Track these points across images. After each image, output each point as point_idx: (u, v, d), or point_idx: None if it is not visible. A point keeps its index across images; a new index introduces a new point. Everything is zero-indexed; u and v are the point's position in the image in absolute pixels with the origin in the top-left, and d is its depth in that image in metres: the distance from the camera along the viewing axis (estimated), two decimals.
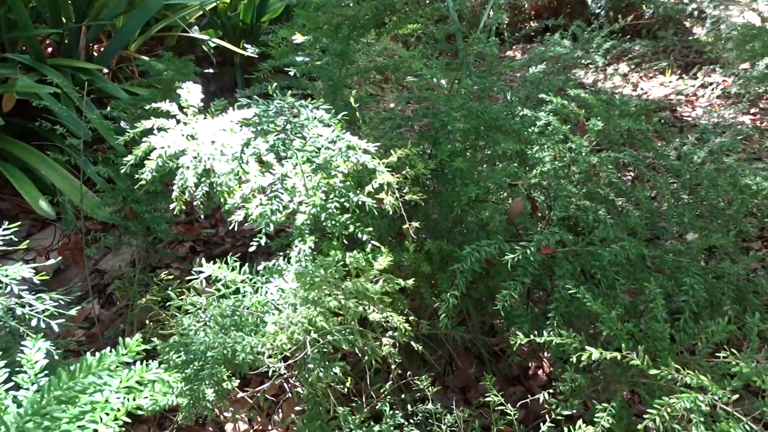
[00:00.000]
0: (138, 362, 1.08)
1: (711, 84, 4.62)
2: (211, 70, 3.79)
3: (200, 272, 1.52)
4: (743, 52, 3.93)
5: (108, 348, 0.97)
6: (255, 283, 1.51)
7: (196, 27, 3.82)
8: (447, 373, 2.00)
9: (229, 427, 1.85)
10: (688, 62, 5.14)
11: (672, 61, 5.02)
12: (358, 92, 2.11)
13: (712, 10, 4.90)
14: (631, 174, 3.26)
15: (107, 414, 1.04)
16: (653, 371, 1.14)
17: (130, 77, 3.40)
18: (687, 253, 1.50)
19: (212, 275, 1.54)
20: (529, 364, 2.07)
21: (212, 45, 3.72)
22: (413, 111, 1.92)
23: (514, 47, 5.69)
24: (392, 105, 2.80)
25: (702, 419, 1.13)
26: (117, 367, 1.02)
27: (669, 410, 1.08)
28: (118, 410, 1.07)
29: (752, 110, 4.12)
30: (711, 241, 1.48)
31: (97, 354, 0.96)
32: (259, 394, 1.85)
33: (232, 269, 1.52)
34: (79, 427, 0.98)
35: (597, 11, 5.28)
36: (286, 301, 1.33)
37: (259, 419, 1.86)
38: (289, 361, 1.42)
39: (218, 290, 1.50)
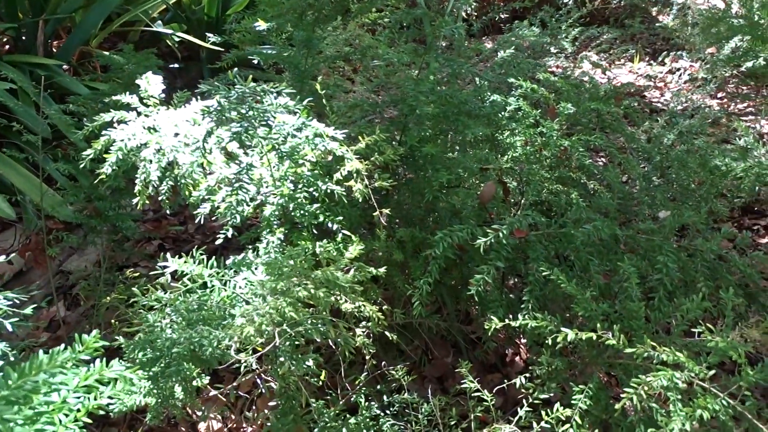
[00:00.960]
0: (98, 360, 1.03)
1: (678, 69, 4.66)
2: (176, 65, 3.71)
3: (165, 267, 1.47)
4: (708, 36, 3.97)
5: (62, 345, 0.92)
6: (223, 276, 1.47)
7: (159, 21, 3.73)
8: (423, 363, 1.97)
9: (202, 426, 1.80)
10: (655, 49, 5.18)
11: (640, 48, 5.06)
12: (326, 81, 2.07)
13: None
14: (603, 159, 3.27)
15: (66, 415, 1.00)
16: (629, 350, 1.12)
17: (93, 73, 3.31)
18: (660, 233, 1.49)
19: (179, 271, 1.49)
20: (506, 351, 2.05)
21: (177, 39, 3.64)
22: (381, 98, 1.88)
23: (484, 38, 5.68)
24: (360, 97, 2.76)
25: (679, 397, 1.11)
26: (74, 365, 0.97)
27: (646, 389, 1.07)
28: (78, 411, 1.02)
29: (719, 94, 4.17)
30: (683, 219, 1.48)
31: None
32: (230, 392, 1.80)
33: (199, 263, 1.47)
34: (36, 430, 0.93)
35: (566, 0, 5.30)
36: (254, 292, 1.29)
37: (233, 417, 1.81)
38: (260, 354, 1.37)
39: (185, 285, 1.46)
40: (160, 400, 1.33)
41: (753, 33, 3.60)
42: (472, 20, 6.00)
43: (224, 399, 1.82)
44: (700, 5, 4.81)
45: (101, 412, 1.07)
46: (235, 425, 1.80)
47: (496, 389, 1.49)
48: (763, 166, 2.62)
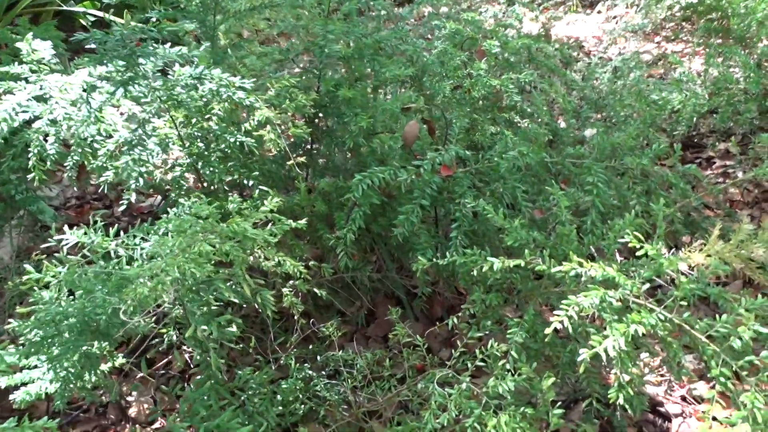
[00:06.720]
0: None
1: (615, 17, 4.64)
2: (93, 45, 3.50)
3: (61, 240, 1.33)
4: None
5: None
6: (128, 245, 1.34)
7: (72, 1, 3.52)
8: (365, 322, 1.88)
9: (133, 410, 1.68)
10: (592, 1, 5.15)
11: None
12: (239, 33, 1.94)
13: None
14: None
15: None
16: (555, 270, 1.04)
17: None
18: (589, 155, 1.42)
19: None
20: (452, 304, 1.98)
21: (92, 19, 3.44)
22: (292, 43, 1.76)
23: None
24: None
25: (615, 317, 1.04)
26: None
27: (577, 309, 0.99)
28: None
29: (656, 38, 4.15)
30: (612, 140, 1.40)
31: None
32: (144, 368, 1.69)
33: (98, 232, 1.34)
34: None
35: None
36: (153, 252, 1.17)
37: (166, 399, 1.69)
38: (159, 318, 1.26)
39: (84, 257, 1.32)
40: (63, 384, 1.20)
41: None
42: None
43: (153, 380, 1.70)
44: None
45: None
46: (168, 406, 1.68)
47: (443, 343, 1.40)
48: (699, 97, 2.60)
